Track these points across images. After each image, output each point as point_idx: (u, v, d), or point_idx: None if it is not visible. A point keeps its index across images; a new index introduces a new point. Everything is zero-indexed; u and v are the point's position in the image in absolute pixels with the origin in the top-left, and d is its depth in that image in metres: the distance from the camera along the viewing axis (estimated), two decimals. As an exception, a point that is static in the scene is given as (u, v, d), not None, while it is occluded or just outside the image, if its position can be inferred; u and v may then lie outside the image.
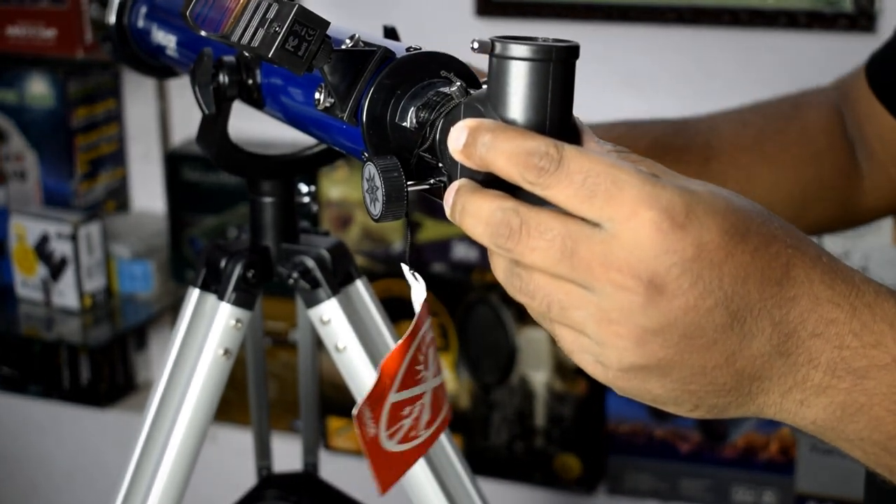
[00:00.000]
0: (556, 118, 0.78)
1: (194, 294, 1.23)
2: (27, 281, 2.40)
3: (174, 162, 2.39)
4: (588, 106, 2.18)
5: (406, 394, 0.96)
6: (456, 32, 2.24)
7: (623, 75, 2.20)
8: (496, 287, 2.17)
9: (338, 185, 2.27)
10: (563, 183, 0.72)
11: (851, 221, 1.41)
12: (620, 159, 0.74)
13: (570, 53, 0.77)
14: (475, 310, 2.19)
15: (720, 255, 0.71)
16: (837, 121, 1.38)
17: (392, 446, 1.00)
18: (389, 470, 1.02)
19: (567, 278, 0.72)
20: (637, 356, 0.72)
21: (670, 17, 2.14)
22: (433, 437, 1.05)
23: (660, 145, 1.23)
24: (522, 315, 2.16)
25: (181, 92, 2.37)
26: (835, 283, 0.74)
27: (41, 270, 2.37)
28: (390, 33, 1.06)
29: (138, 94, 2.49)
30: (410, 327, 0.92)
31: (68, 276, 2.35)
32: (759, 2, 2.05)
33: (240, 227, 1.28)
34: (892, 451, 0.75)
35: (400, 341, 0.92)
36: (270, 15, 0.86)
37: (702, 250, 0.71)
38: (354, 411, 0.91)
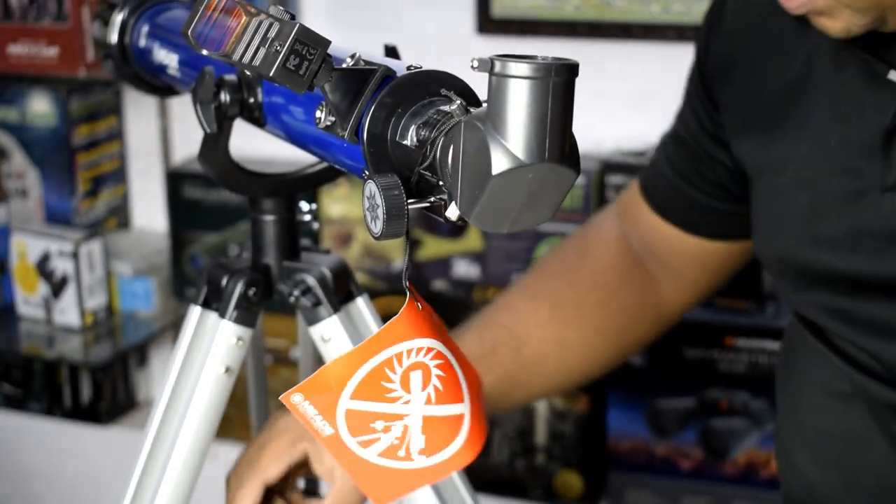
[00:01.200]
0: (555, 135, 0.79)
1: (196, 312, 1.23)
2: (28, 299, 2.40)
3: (175, 180, 2.40)
4: (588, 122, 2.20)
5: (371, 406, 0.97)
6: (457, 50, 2.26)
7: (624, 92, 2.21)
8: (497, 304, 2.18)
9: (339, 203, 2.28)
10: None
11: (668, 323, 1.50)
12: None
13: (569, 71, 0.78)
14: (476, 327, 2.20)
15: None
16: (625, 248, 1.47)
17: (371, 457, 1.01)
18: (375, 482, 1.03)
19: None
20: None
21: (671, 35, 2.15)
22: (440, 470, 1.04)
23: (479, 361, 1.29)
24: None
25: (182, 110, 2.37)
26: None
27: (42, 288, 2.38)
28: (391, 52, 1.07)
29: (140, 112, 2.49)
30: (369, 338, 0.94)
31: (69, 294, 2.36)
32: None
33: (241, 245, 1.28)
34: None
35: (356, 347, 0.93)
36: (272, 34, 0.86)
37: None
38: (282, 395, 0.94)
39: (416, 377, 0.98)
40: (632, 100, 2.21)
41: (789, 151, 1.21)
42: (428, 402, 1.00)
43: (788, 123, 1.22)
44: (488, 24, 2.24)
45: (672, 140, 1.44)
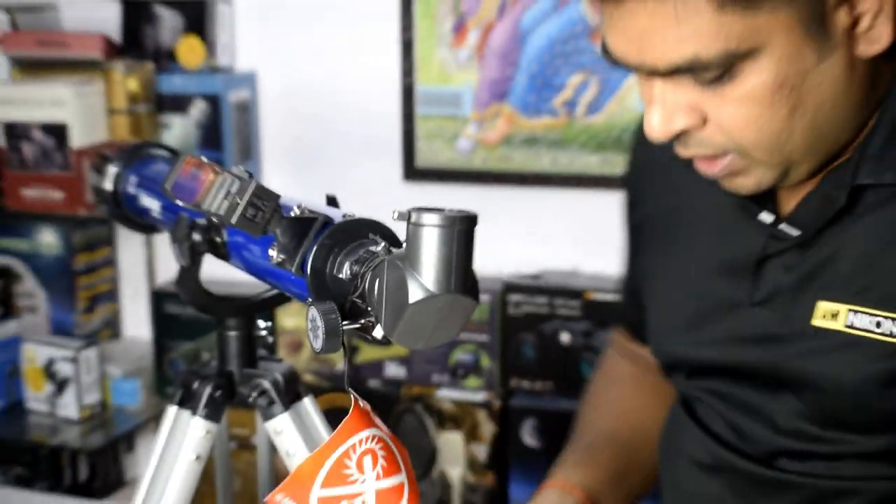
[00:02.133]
0: (459, 272, 0.80)
1: (172, 410, 1.22)
2: (36, 396, 2.37)
3: (159, 298, 2.39)
4: (493, 252, 2.21)
5: (337, 490, 0.96)
6: (388, 194, 2.27)
7: (521, 228, 2.23)
8: (420, 399, 2.17)
9: (292, 316, 2.28)
10: None
11: None
12: None
13: (470, 221, 0.79)
14: (403, 418, 2.19)
15: None
16: (641, 372, 1.40)
17: None
18: None
19: None
20: None
21: (558, 182, 2.18)
22: None
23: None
24: (442, 421, 2.16)
25: (164, 241, 2.36)
26: None
27: (48, 387, 2.35)
28: (331, 201, 1.07)
29: (129, 243, 2.48)
30: (330, 438, 0.94)
31: (70, 392, 2.33)
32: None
33: (211, 352, 1.27)
34: None
35: (320, 447, 0.93)
36: (234, 189, 0.88)
37: None
38: (267, 497, 0.93)
39: (367, 460, 0.98)
40: (527, 234, 2.23)
41: (677, 270, 1.20)
42: (378, 478, 1.00)
43: (677, 246, 1.21)
44: (413, 173, 2.26)
45: (625, 276, 1.39)
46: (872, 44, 0.96)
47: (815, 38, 0.93)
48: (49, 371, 2.34)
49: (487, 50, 2.16)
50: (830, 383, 1.06)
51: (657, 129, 0.99)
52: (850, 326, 1.04)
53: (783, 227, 1.08)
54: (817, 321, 1.06)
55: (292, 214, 0.91)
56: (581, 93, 2.13)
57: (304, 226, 0.90)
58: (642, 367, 1.40)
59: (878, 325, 1.03)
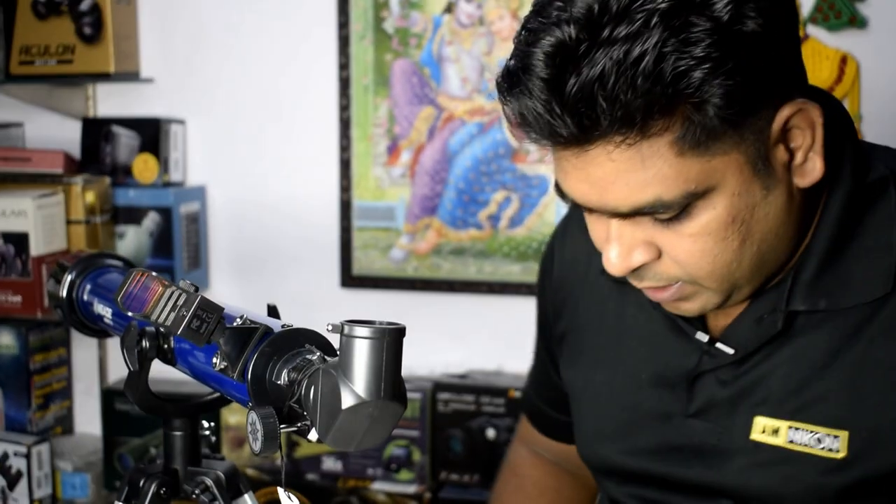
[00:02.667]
0: (388, 379, 0.80)
1: (119, 506, 1.20)
2: (-11, 490, 2.30)
3: (109, 396, 2.35)
4: (423, 353, 2.22)
5: None
6: (326, 299, 2.27)
7: (449, 331, 2.23)
8: (355, 491, 2.15)
9: (235, 414, 2.25)
10: None
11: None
12: None
13: (398, 333, 0.80)
14: (339, 509, 2.16)
15: None
16: (543, 463, 1.40)
17: None
18: None
19: None
20: None
21: (483, 289, 2.19)
22: None
23: None
24: (375, 512, 2.14)
25: (116, 343, 2.33)
26: None
27: (0, 481, 2.28)
28: (272, 311, 1.07)
29: (83, 344, 2.44)
30: None
31: (22, 486, 2.27)
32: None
33: (158, 448, 1.25)
34: None
35: None
36: (180, 302, 0.87)
37: None
38: None
39: None
40: (455, 337, 2.23)
41: (607, 379, 1.18)
42: None
43: (606, 356, 1.18)
44: (350, 280, 2.26)
45: (534, 375, 1.37)
46: (806, 176, 0.97)
47: (762, 175, 0.94)
48: (2, 466, 2.28)
49: (419, 168, 2.19)
50: (772, 496, 1.05)
51: (616, 265, 0.97)
52: (791, 442, 1.03)
53: (719, 345, 1.07)
54: (756, 436, 1.05)
55: (235, 324, 0.90)
56: (504, 208, 2.15)
57: (246, 335, 0.90)
58: (545, 459, 1.39)
59: (819, 440, 1.02)
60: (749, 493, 1.06)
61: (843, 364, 1.01)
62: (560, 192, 0.99)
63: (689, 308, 1.03)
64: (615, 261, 0.97)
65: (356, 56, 2.19)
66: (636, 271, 0.99)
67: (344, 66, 2.19)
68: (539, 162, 2.13)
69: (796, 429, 1.03)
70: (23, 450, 2.25)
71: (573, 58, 0.86)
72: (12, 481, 2.27)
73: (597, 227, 1.00)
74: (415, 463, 2.17)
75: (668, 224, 0.94)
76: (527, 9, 2.07)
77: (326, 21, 2.21)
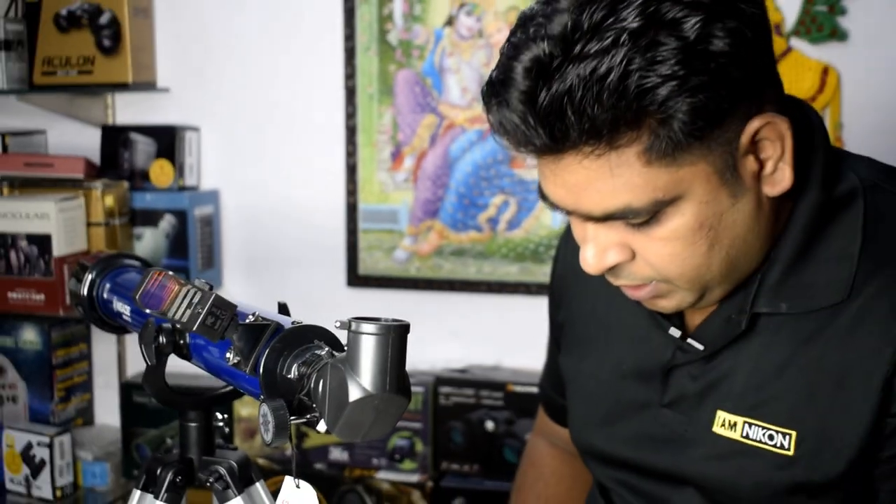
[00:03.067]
0: (393, 374, 0.80)
1: (137, 494, 1.19)
2: (14, 478, 2.30)
3: (127, 389, 2.34)
4: (426, 349, 2.21)
5: None
6: (333, 298, 2.27)
7: (449, 328, 2.23)
8: (361, 480, 2.14)
9: (247, 406, 2.24)
10: None
11: None
12: None
13: (403, 330, 0.79)
14: (346, 497, 2.15)
15: None
16: (560, 453, 1.40)
17: None
18: None
19: None
20: None
21: (482, 289, 2.19)
22: None
23: None
24: (380, 500, 2.13)
25: (134, 339, 2.33)
26: None
27: (25, 470, 2.28)
28: (282, 309, 1.07)
29: (103, 340, 2.44)
30: None
31: (45, 474, 2.26)
32: (544, 277, 2.11)
33: (173, 438, 1.25)
34: None
35: None
36: (195, 300, 0.87)
37: None
38: None
39: None
40: (455, 333, 2.23)
41: (594, 369, 1.19)
42: None
43: (594, 347, 1.20)
44: (356, 279, 2.25)
45: (547, 365, 1.39)
46: (776, 185, 0.97)
47: (730, 183, 0.94)
48: (26, 455, 2.28)
49: (421, 174, 2.19)
50: (728, 486, 1.06)
51: (592, 264, 0.98)
52: (746, 437, 1.04)
53: (690, 341, 1.08)
54: (717, 429, 1.06)
55: (248, 321, 0.90)
56: (502, 211, 2.15)
57: (258, 332, 0.90)
58: (561, 448, 1.39)
59: (771, 437, 1.02)
60: (709, 483, 1.07)
61: (798, 366, 1.02)
62: (542, 195, 1.00)
63: (665, 305, 1.03)
64: (591, 260, 0.98)
65: (361, 67, 2.18)
66: (612, 270, 1.00)
67: (350, 76, 2.19)
68: (535, 167, 2.12)
69: (751, 424, 1.04)
70: (45, 440, 2.25)
71: (547, 72, 0.87)
72: (36, 470, 2.27)
73: (577, 228, 1.01)
74: (417, 453, 2.16)
75: (640, 228, 0.95)
76: (524, 22, 2.08)
77: (333, 33, 2.20)
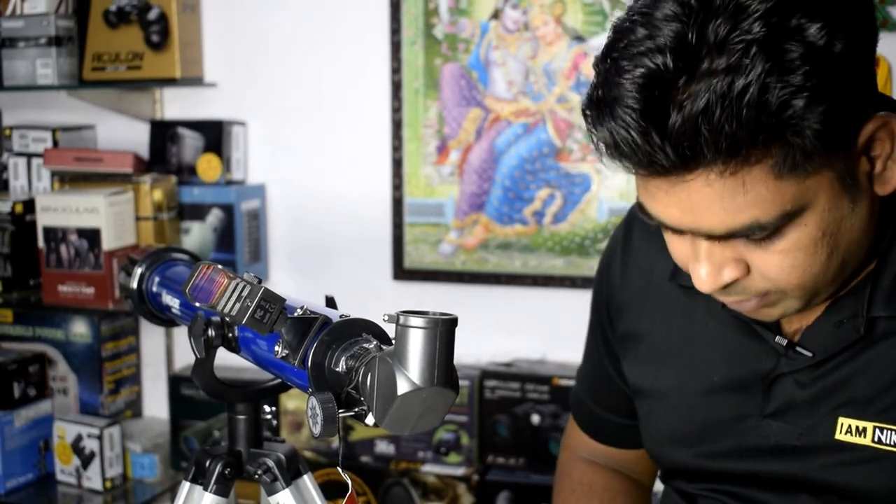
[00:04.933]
0: (442, 367, 0.80)
1: (186, 486, 1.20)
2: (65, 469, 2.33)
3: (176, 382, 2.37)
4: (471, 342, 2.21)
5: None
6: (379, 291, 2.27)
7: (496, 322, 2.22)
8: (407, 473, 2.15)
9: (293, 399, 2.26)
10: None
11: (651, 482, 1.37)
12: None
13: (451, 323, 0.79)
14: (392, 490, 2.16)
15: None
16: (596, 469, 1.33)
17: None
18: None
19: None
20: None
21: (528, 282, 2.18)
22: None
23: None
24: (426, 493, 2.14)
25: (182, 332, 2.35)
26: None
27: (75, 461, 2.31)
28: (330, 302, 1.07)
29: (151, 333, 2.47)
30: None
31: (95, 466, 2.29)
32: (590, 271, 2.10)
33: (221, 431, 1.25)
34: None
35: None
36: (244, 293, 0.87)
37: None
38: None
39: None
40: (501, 327, 2.23)
41: (677, 383, 1.15)
42: None
43: (675, 361, 1.15)
44: (401, 273, 2.26)
45: (587, 377, 1.32)
46: (886, 184, 0.94)
47: (849, 188, 0.91)
48: (77, 447, 2.31)
49: (467, 167, 2.18)
50: (856, 492, 1.03)
51: (707, 283, 0.94)
52: (878, 442, 1.01)
53: (798, 349, 1.05)
54: (841, 436, 1.03)
55: (296, 315, 0.90)
56: (548, 205, 2.14)
57: (306, 325, 0.90)
58: (601, 465, 1.34)
59: None
60: (832, 489, 1.04)
61: None
62: (643, 211, 0.95)
63: (770, 314, 1.00)
64: (706, 279, 0.94)
65: (407, 60, 2.18)
66: (726, 288, 0.96)
67: (396, 70, 2.19)
68: (581, 161, 2.12)
69: (882, 429, 1.01)
70: (95, 432, 2.28)
71: (670, 89, 0.83)
72: (86, 461, 2.30)
73: (680, 247, 0.97)
74: (463, 446, 2.16)
75: (760, 243, 0.92)
76: (570, 15, 2.07)
77: (379, 28, 2.21)
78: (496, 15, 2.12)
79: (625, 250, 1.22)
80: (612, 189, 2.11)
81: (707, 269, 0.94)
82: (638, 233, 1.20)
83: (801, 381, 1.05)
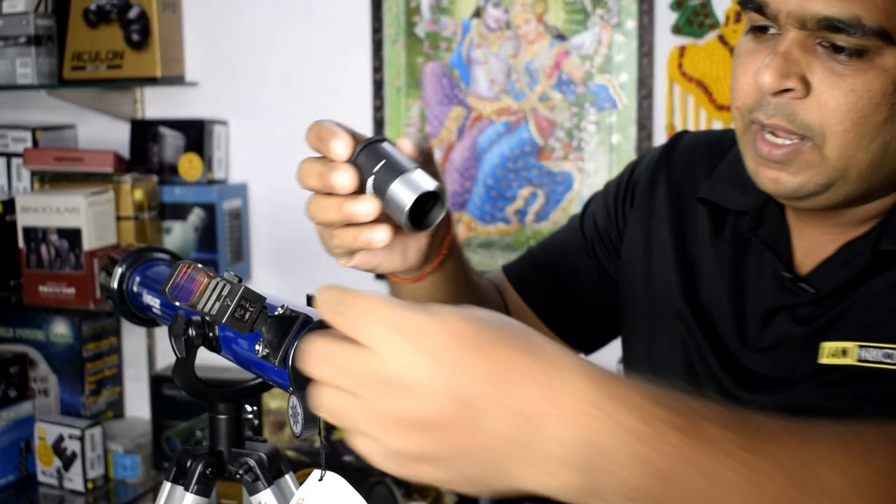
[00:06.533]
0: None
1: (167, 486, 1.19)
2: (46, 470, 2.32)
3: (157, 382, 2.36)
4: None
5: None
6: (361, 289, 2.26)
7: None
8: (390, 472, 2.15)
9: (275, 399, 2.25)
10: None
11: None
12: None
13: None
14: (375, 488, 2.16)
15: (454, 362, 0.65)
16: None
17: None
18: None
19: (346, 389, 0.68)
20: (401, 444, 0.66)
21: (510, 281, 2.18)
22: None
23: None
24: (409, 492, 2.14)
25: (163, 332, 2.35)
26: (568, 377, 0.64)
27: (57, 462, 2.30)
28: (311, 301, 1.07)
29: (132, 333, 2.46)
30: None
31: (77, 466, 2.28)
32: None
33: (203, 431, 1.25)
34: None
35: None
36: (224, 292, 0.87)
37: (439, 360, 0.65)
38: None
39: None
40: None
41: (676, 311, 1.13)
42: None
43: (673, 290, 1.13)
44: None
45: (553, 243, 1.32)
46: None
47: None
48: (58, 448, 2.30)
49: (449, 166, 2.18)
50: (843, 413, 0.98)
51: (770, 78, 0.93)
52: (862, 360, 0.99)
53: (801, 285, 1.04)
54: (824, 360, 1.01)
55: (277, 313, 0.90)
56: (530, 203, 2.14)
57: (287, 323, 0.89)
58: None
59: (889, 356, 0.98)
60: (818, 412, 1.04)
61: None
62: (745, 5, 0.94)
63: (787, 182, 0.98)
64: (772, 72, 0.93)
65: (389, 59, 2.18)
66: (775, 103, 0.95)
67: (377, 68, 2.19)
68: (564, 159, 2.12)
69: (866, 347, 0.99)
70: (77, 433, 2.26)
71: None
72: (67, 462, 2.29)
73: (755, 58, 0.96)
74: (446, 445, 2.16)
75: (839, 60, 0.91)
76: (552, 13, 2.07)
77: (360, 26, 2.20)
78: (478, 13, 2.12)
79: (660, 172, 1.21)
80: (593, 187, 2.12)
81: (779, 66, 0.93)
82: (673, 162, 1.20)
83: (798, 316, 1.04)
